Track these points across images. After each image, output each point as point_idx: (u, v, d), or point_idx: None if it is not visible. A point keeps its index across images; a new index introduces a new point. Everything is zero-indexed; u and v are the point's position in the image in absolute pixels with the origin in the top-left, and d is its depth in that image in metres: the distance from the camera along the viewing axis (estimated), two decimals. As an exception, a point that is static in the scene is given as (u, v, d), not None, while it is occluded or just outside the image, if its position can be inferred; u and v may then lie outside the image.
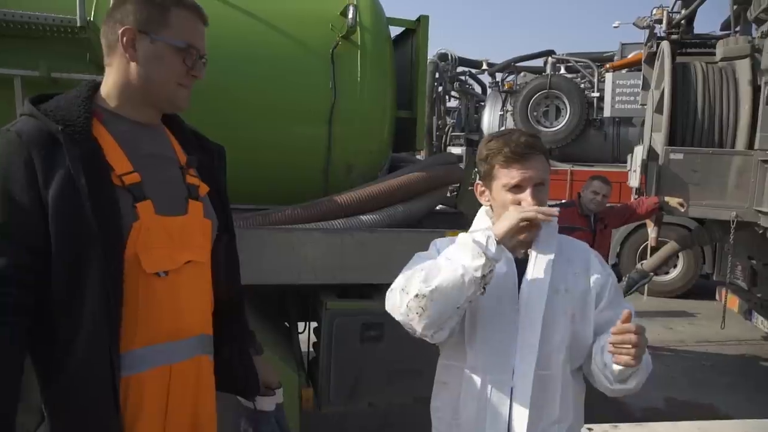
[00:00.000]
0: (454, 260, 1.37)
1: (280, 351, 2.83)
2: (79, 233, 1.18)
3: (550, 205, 1.51)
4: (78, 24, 2.51)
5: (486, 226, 1.54)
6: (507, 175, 1.46)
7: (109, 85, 1.33)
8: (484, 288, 1.38)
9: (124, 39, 1.28)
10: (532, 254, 1.51)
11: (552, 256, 1.50)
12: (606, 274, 1.57)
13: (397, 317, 1.46)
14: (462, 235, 1.42)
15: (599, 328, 1.53)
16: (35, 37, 2.64)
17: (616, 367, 1.38)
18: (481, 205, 1.66)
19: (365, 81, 3.11)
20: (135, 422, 1.26)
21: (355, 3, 3.02)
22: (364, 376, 2.78)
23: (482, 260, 1.33)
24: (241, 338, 1.59)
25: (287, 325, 3.29)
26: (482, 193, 1.56)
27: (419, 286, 1.37)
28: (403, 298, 1.41)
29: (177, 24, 1.31)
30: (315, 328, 3.11)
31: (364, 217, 2.83)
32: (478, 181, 1.57)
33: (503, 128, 9.56)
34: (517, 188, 1.45)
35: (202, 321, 1.41)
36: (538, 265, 1.50)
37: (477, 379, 1.50)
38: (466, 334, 1.51)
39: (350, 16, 2.95)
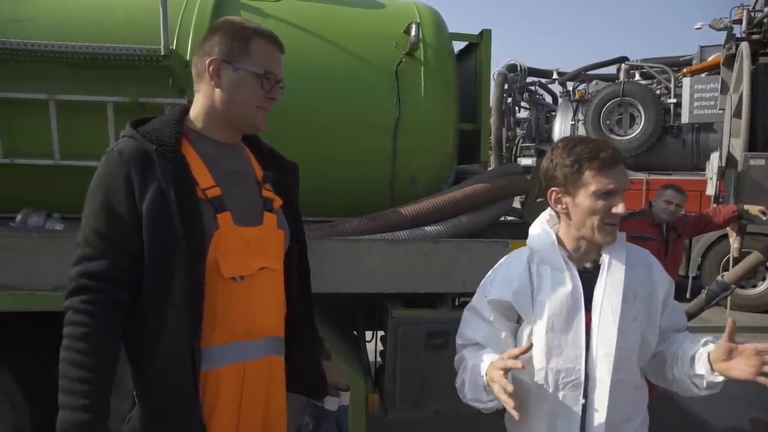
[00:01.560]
0: (464, 392, 1.59)
1: (348, 358, 2.93)
2: (167, 240, 1.33)
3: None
4: (162, 53, 2.74)
5: (550, 240, 1.57)
6: (601, 182, 1.48)
7: (197, 108, 1.49)
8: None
9: (211, 68, 1.43)
10: (604, 264, 1.54)
11: (623, 266, 1.53)
12: (669, 280, 1.62)
13: None
14: (479, 370, 1.50)
15: (664, 332, 1.60)
16: (124, 66, 2.90)
17: (719, 379, 1.42)
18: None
19: (428, 95, 3.19)
20: (212, 413, 1.39)
21: (418, 21, 3.12)
22: (429, 383, 2.82)
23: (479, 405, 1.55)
24: (311, 342, 1.70)
25: (355, 333, 3.40)
26: (558, 199, 1.55)
27: (457, 388, 1.64)
28: None
29: (256, 53, 1.44)
30: (382, 337, 3.20)
31: (428, 228, 2.90)
32: (554, 188, 1.55)
33: (571, 136, 9.43)
34: (610, 195, 1.48)
35: (275, 324, 1.53)
36: (610, 275, 1.53)
37: (548, 389, 1.52)
38: (535, 350, 1.52)
39: (413, 33, 3.05)
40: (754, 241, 6.23)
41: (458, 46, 3.65)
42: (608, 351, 1.49)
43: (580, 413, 1.50)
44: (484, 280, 1.68)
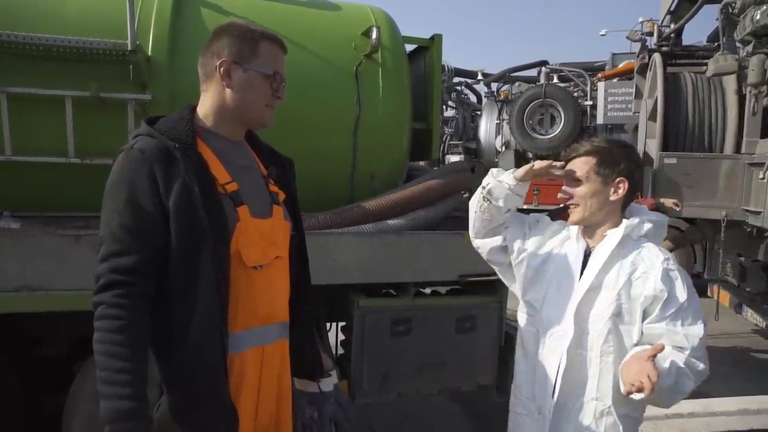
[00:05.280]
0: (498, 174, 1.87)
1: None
2: (195, 233, 1.40)
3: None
4: (129, 48, 2.73)
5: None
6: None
7: (206, 107, 1.55)
8: (488, 200, 1.85)
9: (222, 69, 1.50)
10: (593, 251, 1.78)
11: (605, 256, 1.72)
12: (661, 289, 1.65)
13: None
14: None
15: (648, 337, 1.68)
16: (83, 60, 2.84)
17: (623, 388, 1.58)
18: None
19: (386, 96, 3.35)
20: (239, 394, 1.48)
21: (377, 25, 3.27)
22: (393, 368, 3.00)
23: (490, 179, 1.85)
24: (309, 326, 1.81)
25: (317, 324, 3.51)
26: None
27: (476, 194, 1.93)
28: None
29: (264, 54, 1.53)
30: (343, 327, 3.34)
31: (390, 222, 3.06)
32: None
33: (500, 137, 9.91)
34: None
35: (285, 309, 1.64)
36: (593, 261, 1.76)
37: (539, 333, 1.82)
38: (537, 298, 1.84)
39: (374, 36, 3.19)
40: (663, 232, 6.86)
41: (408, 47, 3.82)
42: (569, 322, 1.73)
43: (558, 363, 1.74)
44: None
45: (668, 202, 4.73)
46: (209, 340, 1.41)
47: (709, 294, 6.43)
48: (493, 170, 1.89)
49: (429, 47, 3.68)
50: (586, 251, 1.80)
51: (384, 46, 3.37)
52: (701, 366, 1.62)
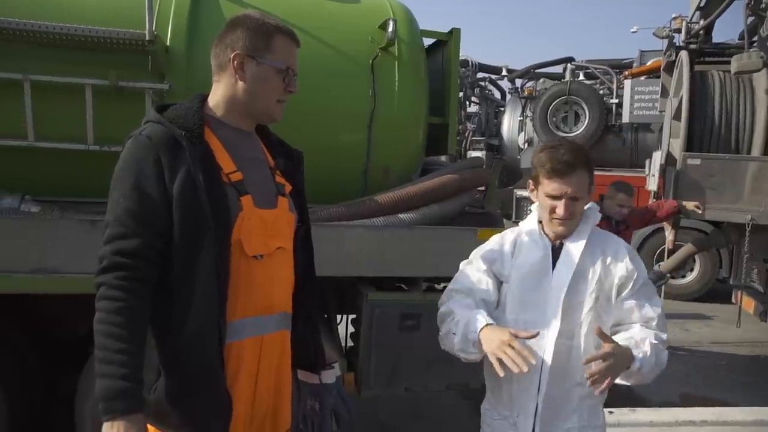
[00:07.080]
0: (452, 342, 1.76)
1: (324, 339, 3.06)
2: (197, 220, 1.42)
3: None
4: (147, 38, 2.77)
5: (534, 219, 1.86)
6: (549, 186, 1.74)
7: (217, 97, 1.57)
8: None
9: (235, 62, 1.51)
10: (565, 246, 1.79)
11: (581, 248, 1.76)
12: (632, 269, 1.77)
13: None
14: (473, 327, 1.69)
15: (621, 315, 1.79)
16: (103, 49, 2.89)
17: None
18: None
19: (402, 89, 3.34)
20: (234, 382, 1.49)
21: (393, 18, 3.26)
22: (401, 362, 3.00)
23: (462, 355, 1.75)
24: (313, 318, 1.82)
25: (326, 316, 3.52)
26: (532, 190, 1.84)
27: (440, 337, 1.84)
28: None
29: (278, 49, 1.54)
30: (353, 319, 3.35)
31: (403, 216, 3.05)
32: (530, 180, 1.85)
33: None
34: (554, 198, 1.73)
35: (286, 300, 1.64)
36: (567, 255, 1.77)
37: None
38: (511, 302, 1.80)
39: (390, 29, 3.18)
40: (686, 235, 6.73)
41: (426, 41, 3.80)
42: (554, 318, 1.73)
43: (541, 361, 1.74)
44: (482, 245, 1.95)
45: (690, 204, 4.63)
46: (207, 327, 1.43)
47: (733, 300, 6.27)
48: (456, 344, 1.74)
49: (447, 41, 3.66)
50: (552, 248, 1.80)
51: (401, 39, 3.35)
52: (665, 335, 1.76)
